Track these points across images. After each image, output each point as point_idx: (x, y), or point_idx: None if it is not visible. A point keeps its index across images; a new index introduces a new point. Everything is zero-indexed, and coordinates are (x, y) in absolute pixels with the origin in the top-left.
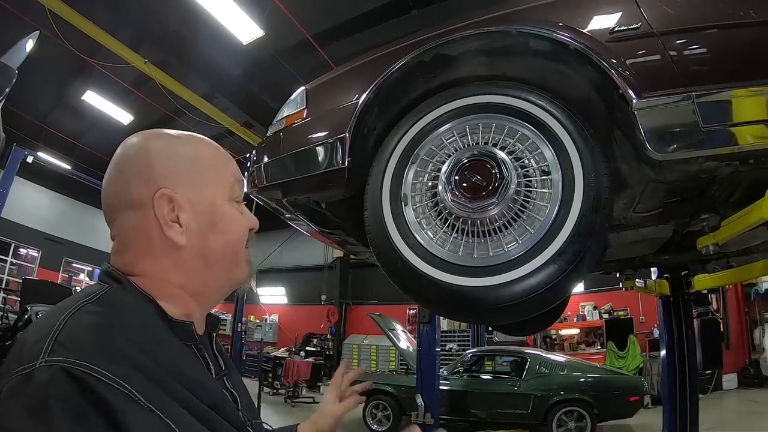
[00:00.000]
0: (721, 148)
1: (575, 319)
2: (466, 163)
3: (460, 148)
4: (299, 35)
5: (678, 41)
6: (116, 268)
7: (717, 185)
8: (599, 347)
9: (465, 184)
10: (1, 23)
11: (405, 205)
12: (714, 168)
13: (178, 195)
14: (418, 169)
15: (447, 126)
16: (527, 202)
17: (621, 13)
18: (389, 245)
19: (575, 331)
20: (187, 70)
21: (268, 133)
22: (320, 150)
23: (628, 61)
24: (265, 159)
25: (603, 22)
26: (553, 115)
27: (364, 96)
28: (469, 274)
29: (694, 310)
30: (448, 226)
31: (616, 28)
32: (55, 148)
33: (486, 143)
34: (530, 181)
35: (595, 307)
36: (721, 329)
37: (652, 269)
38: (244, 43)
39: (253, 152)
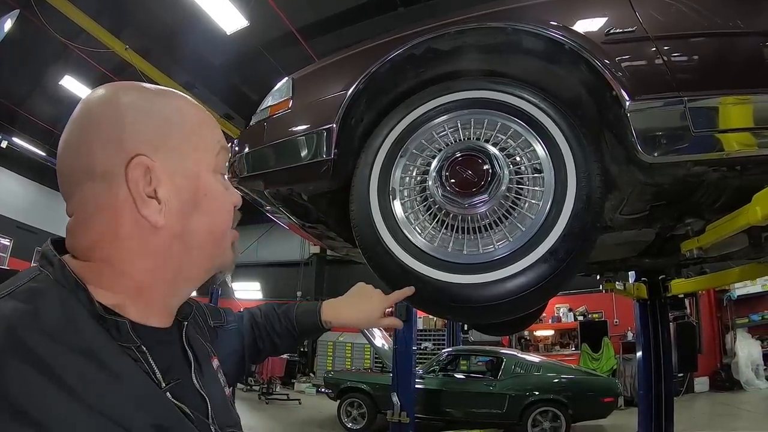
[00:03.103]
0: (710, 153)
1: (550, 320)
2: (458, 158)
3: (452, 143)
4: (284, 28)
5: (672, 47)
6: (70, 250)
7: (703, 190)
8: (573, 349)
9: (456, 180)
10: None
11: (393, 200)
12: (702, 173)
13: (157, 164)
14: (408, 162)
15: (438, 120)
16: (518, 199)
17: (616, 15)
18: (376, 240)
19: (550, 332)
20: (168, 58)
21: (251, 123)
22: (306, 141)
23: (623, 63)
24: (247, 149)
25: (598, 23)
26: (547, 113)
27: (353, 87)
28: (458, 270)
29: (670, 314)
30: (437, 222)
31: (612, 30)
32: (30, 134)
33: (478, 139)
34: (522, 178)
35: (570, 309)
36: (697, 333)
37: (630, 273)
38: (228, 33)
39: (235, 141)
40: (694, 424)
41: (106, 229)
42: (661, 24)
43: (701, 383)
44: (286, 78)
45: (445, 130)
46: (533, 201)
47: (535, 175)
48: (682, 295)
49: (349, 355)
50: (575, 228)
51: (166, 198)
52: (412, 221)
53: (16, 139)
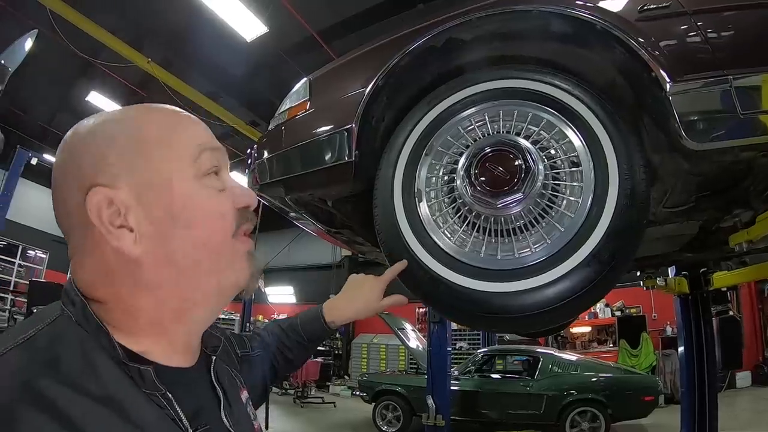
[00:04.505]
0: (761, 136)
1: (587, 317)
2: (488, 154)
3: (480, 138)
4: (304, 32)
5: (711, 21)
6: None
7: (752, 178)
8: (611, 345)
9: (486, 178)
10: (1, 23)
11: (419, 202)
12: (751, 158)
13: (121, 190)
14: (433, 161)
15: (464, 114)
16: (555, 196)
17: None
18: (402, 246)
19: (587, 329)
20: (191, 68)
21: (270, 127)
22: (325, 143)
23: (660, 42)
24: (266, 154)
25: (630, 0)
26: (581, 100)
27: (371, 84)
28: (492, 278)
29: (712, 308)
30: (467, 225)
31: (645, 6)
32: None
33: (508, 132)
34: (558, 173)
35: (606, 305)
36: (741, 328)
37: (670, 267)
38: (248, 41)
39: (254, 148)
40: (736, 422)
41: (97, 270)
42: None
43: (743, 378)
44: (304, 79)
45: (472, 125)
46: (572, 198)
47: (573, 169)
48: (724, 289)
49: (384, 356)
50: (620, 226)
51: (136, 224)
52: (441, 224)
53: (47, 156)
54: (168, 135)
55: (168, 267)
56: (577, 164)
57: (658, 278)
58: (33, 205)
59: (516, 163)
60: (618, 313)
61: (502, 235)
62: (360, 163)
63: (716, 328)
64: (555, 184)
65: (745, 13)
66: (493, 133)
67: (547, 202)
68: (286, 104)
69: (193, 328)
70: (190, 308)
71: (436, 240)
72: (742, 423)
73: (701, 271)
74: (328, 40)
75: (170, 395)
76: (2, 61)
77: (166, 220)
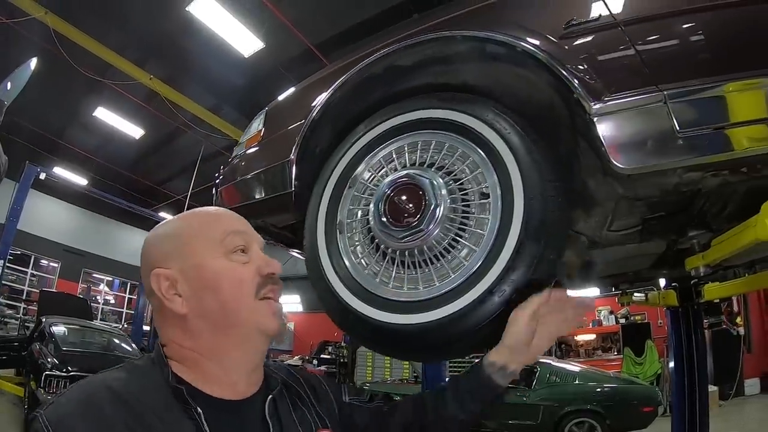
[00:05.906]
0: (706, 156)
1: (591, 324)
2: (394, 188)
3: (394, 170)
4: (301, 45)
5: (645, 32)
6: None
7: (704, 198)
8: (616, 353)
9: (391, 212)
10: (8, 44)
11: (340, 234)
12: (698, 179)
13: (172, 270)
14: (356, 193)
15: (386, 145)
16: (463, 230)
17: (577, 3)
18: (320, 276)
19: (591, 336)
20: (192, 83)
21: (233, 154)
22: (268, 174)
23: (586, 60)
24: (225, 182)
25: (556, 15)
26: (495, 129)
27: (309, 117)
28: (398, 310)
29: (705, 321)
30: (379, 255)
31: (571, 22)
32: (71, 163)
33: (422, 164)
34: (468, 205)
35: (611, 312)
36: (740, 339)
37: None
38: (246, 56)
39: (218, 173)
40: (743, 431)
41: (162, 322)
42: (631, 6)
43: (752, 385)
44: (265, 109)
45: (392, 157)
46: (479, 231)
47: (482, 200)
48: (717, 300)
49: (388, 365)
50: (521, 261)
51: (183, 291)
52: (358, 255)
53: (57, 170)
54: (202, 229)
55: (204, 320)
56: (487, 196)
57: (634, 294)
58: (46, 216)
59: (419, 197)
60: (622, 321)
61: (409, 268)
62: (300, 193)
63: (709, 342)
64: (463, 217)
65: (682, 20)
66: (408, 164)
67: (454, 236)
68: (246, 134)
69: (228, 367)
70: (222, 351)
71: (350, 271)
72: (749, 431)
73: (692, 282)
74: (326, 52)
75: (200, 410)
76: (8, 87)
77: (201, 287)
